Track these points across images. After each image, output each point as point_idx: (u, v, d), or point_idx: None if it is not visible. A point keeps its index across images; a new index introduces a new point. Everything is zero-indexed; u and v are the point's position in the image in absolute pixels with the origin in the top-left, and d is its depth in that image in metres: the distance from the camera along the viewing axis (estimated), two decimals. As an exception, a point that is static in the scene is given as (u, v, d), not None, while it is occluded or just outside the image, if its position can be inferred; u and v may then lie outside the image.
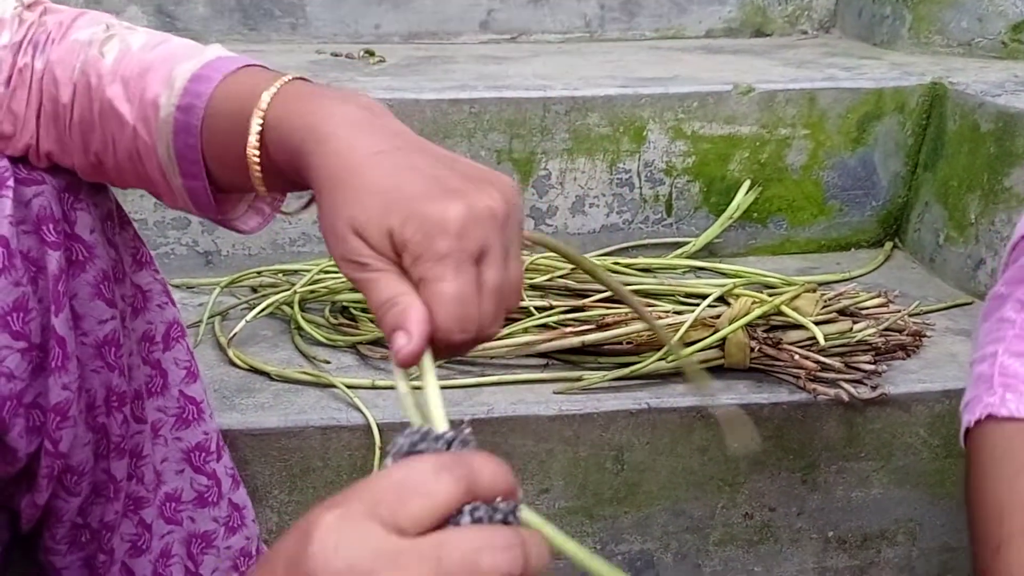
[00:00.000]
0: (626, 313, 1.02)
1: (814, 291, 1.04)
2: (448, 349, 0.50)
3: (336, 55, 1.51)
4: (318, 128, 0.54)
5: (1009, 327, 0.69)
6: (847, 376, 0.98)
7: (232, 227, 0.67)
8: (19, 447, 0.69)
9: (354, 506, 0.39)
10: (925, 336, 1.08)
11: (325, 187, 0.53)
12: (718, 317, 1.00)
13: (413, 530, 0.39)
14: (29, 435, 0.69)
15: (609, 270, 1.16)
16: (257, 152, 0.58)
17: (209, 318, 1.12)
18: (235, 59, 0.62)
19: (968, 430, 0.68)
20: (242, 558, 0.86)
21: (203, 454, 0.82)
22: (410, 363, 0.48)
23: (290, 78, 0.59)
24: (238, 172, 0.60)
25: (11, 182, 0.65)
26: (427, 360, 0.48)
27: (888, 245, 1.36)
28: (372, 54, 1.49)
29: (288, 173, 0.58)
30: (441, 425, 0.46)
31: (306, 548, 0.38)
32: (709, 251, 1.32)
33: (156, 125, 0.61)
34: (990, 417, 0.66)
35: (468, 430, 0.44)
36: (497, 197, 0.51)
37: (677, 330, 0.98)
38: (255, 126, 0.57)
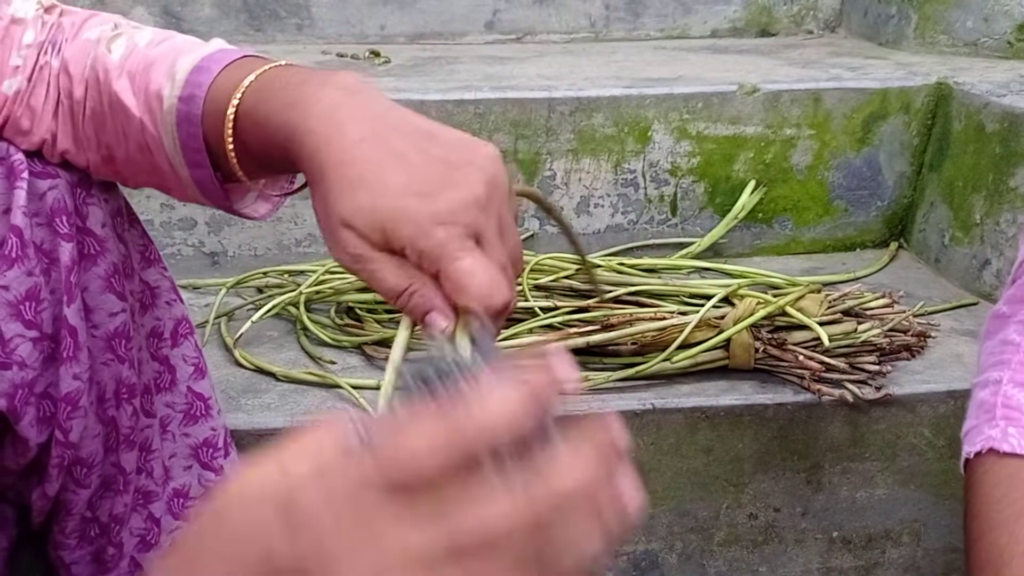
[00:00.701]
0: (631, 314, 1.03)
1: (819, 292, 1.04)
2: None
3: (341, 56, 1.51)
4: (299, 125, 0.55)
5: (1013, 351, 0.68)
6: (852, 377, 0.98)
7: (242, 215, 0.69)
8: (30, 437, 0.70)
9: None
10: (930, 337, 1.08)
11: (314, 182, 0.54)
12: (723, 318, 1.00)
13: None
14: (40, 425, 0.70)
15: (614, 270, 1.16)
16: (231, 138, 0.60)
17: (215, 318, 1.12)
18: (235, 51, 0.64)
19: (968, 459, 0.66)
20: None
21: (211, 450, 0.83)
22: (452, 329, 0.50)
23: (270, 66, 0.61)
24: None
25: (26, 174, 0.67)
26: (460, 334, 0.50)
27: (893, 245, 1.36)
28: (377, 55, 1.50)
29: (265, 160, 0.60)
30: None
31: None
32: (714, 251, 1.32)
33: (161, 117, 0.63)
34: (991, 451, 0.64)
35: (477, 324, 0.47)
36: (478, 180, 0.52)
37: (681, 330, 0.99)
38: (229, 113, 0.59)
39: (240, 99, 0.59)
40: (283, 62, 0.62)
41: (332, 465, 0.33)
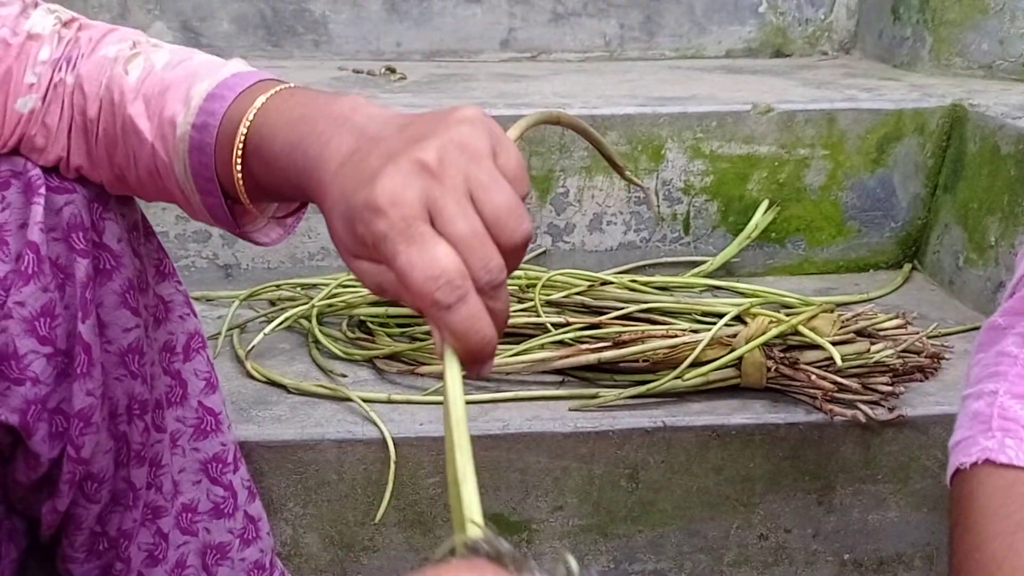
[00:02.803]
0: (643, 331, 1.02)
1: (832, 311, 1.04)
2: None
3: (358, 72, 1.52)
4: (297, 163, 0.54)
5: (1010, 363, 0.66)
6: (864, 397, 0.98)
7: (253, 240, 0.68)
8: (42, 452, 0.70)
9: None
10: (943, 358, 1.07)
11: (322, 210, 0.53)
12: (735, 336, 1.00)
13: None
14: (52, 440, 0.70)
15: (626, 287, 1.16)
16: (240, 168, 0.59)
17: (228, 331, 1.13)
18: (250, 75, 0.63)
19: (957, 470, 0.64)
20: (256, 571, 0.86)
21: (220, 465, 0.83)
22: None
23: (277, 90, 0.60)
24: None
25: (43, 190, 0.67)
26: (452, 372, 0.45)
27: (907, 267, 1.35)
28: (393, 71, 1.51)
29: (274, 192, 0.60)
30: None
31: None
32: (727, 270, 1.32)
33: (173, 143, 0.62)
34: (987, 462, 0.63)
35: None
36: (431, 146, 0.46)
37: (693, 348, 0.98)
38: (237, 143, 0.59)
39: (247, 131, 0.58)
40: (291, 84, 0.61)
41: None
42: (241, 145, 0.59)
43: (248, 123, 0.58)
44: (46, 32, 0.67)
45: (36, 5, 0.69)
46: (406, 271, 0.45)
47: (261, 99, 0.59)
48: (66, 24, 0.68)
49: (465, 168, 0.46)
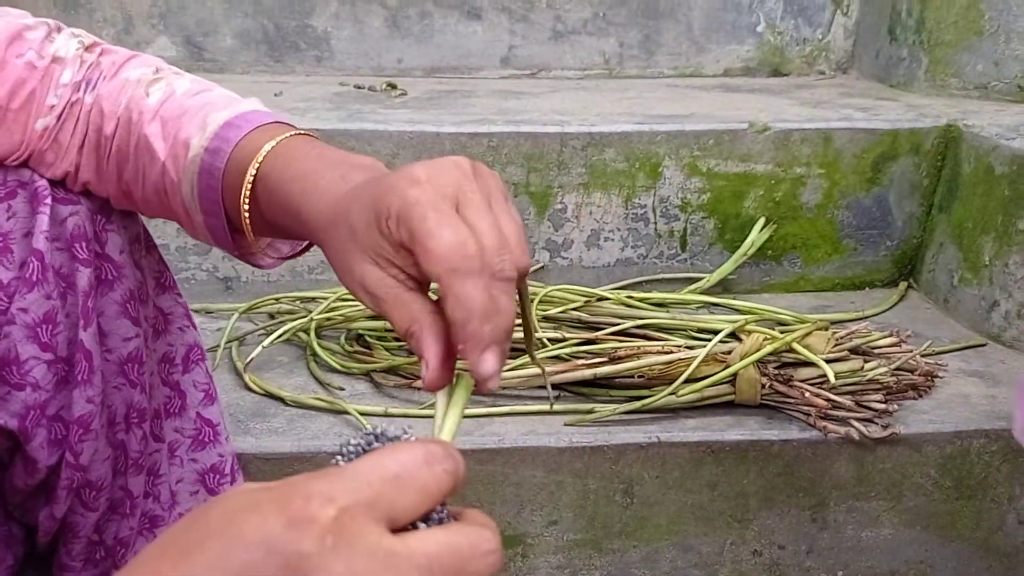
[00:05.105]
0: (638, 347, 1.03)
1: (826, 329, 1.04)
2: (479, 339, 0.46)
3: (359, 87, 1.53)
4: (302, 206, 0.56)
5: None
6: (858, 415, 0.98)
7: (249, 262, 0.70)
8: (40, 458, 0.70)
9: (351, 500, 0.36)
10: (937, 377, 1.08)
11: (321, 244, 0.55)
12: (730, 353, 1.01)
13: (402, 525, 0.37)
14: (51, 447, 0.71)
15: (622, 303, 1.17)
16: (247, 200, 0.61)
17: (227, 343, 1.14)
18: (267, 114, 0.65)
19: None
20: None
21: (218, 476, 0.83)
22: (434, 388, 0.48)
23: (292, 134, 0.62)
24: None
25: (49, 200, 0.68)
26: (458, 388, 0.48)
27: (902, 285, 1.36)
28: (394, 87, 1.52)
29: (275, 225, 0.61)
30: (445, 437, 0.45)
31: (300, 545, 0.34)
32: (723, 287, 1.33)
33: (184, 164, 0.65)
34: None
35: (412, 436, 0.42)
36: (461, 159, 0.51)
37: (688, 364, 0.99)
38: (248, 175, 0.61)
39: (259, 165, 0.61)
40: (306, 132, 0.63)
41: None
42: (250, 184, 0.61)
43: (258, 164, 0.61)
44: (69, 56, 0.69)
45: (60, 29, 0.71)
46: (433, 234, 0.46)
47: (273, 143, 0.61)
48: (88, 48, 0.71)
49: (488, 183, 0.50)
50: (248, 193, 0.61)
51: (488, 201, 0.49)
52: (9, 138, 0.68)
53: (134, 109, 0.67)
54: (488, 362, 0.46)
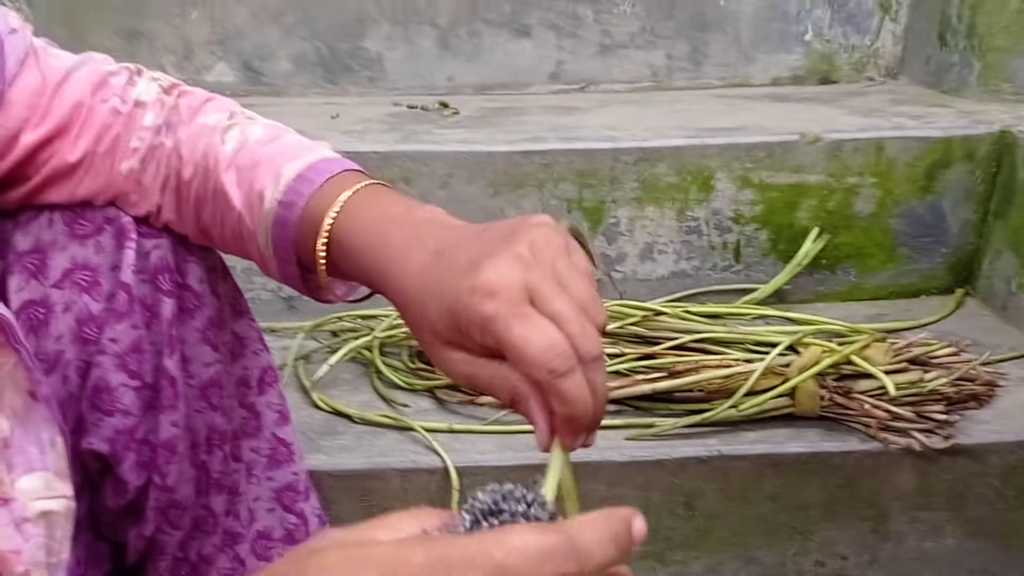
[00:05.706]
0: (697, 361, 1.04)
1: (883, 340, 1.05)
2: (574, 422, 0.49)
3: (412, 107, 1.56)
4: (376, 262, 0.59)
5: None
6: (919, 425, 0.99)
7: (316, 298, 0.72)
8: (129, 480, 0.74)
9: None
10: (998, 386, 1.08)
11: (401, 313, 0.58)
12: (788, 365, 1.01)
13: None
14: (139, 469, 0.74)
15: (680, 317, 1.18)
16: (324, 255, 0.64)
17: (293, 362, 1.17)
18: (337, 163, 0.67)
19: None
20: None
21: (292, 494, 0.86)
22: (549, 448, 0.50)
23: (364, 184, 0.64)
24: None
25: (134, 235, 0.72)
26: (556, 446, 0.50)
27: (959, 292, 1.36)
28: (446, 106, 1.55)
29: (348, 276, 0.65)
30: (548, 493, 0.46)
31: None
32: (777, 297, 1.33)
33: (259, 214, 0.67)
34: None
35: (549, 503, 0.42)
36: (520, 241, 0.52)
37: (747, 378, 1.00)
38: (323, 230, 0.63)
39: (333, 221, 0.63)
40: (375, 181, 0.65)
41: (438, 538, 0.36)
42: (326, 237, 0.63)
43: (333, 216, 0.63)
44: (151, 99, 0.73)
45: (140, 72, 0.74)
46: (522, 344, 0.48)
47: (346, 194, 0.63)
48: (167, 91, 0.74)
49: (552, 259, 0.51)
50: (323, 251, 0.63)
51: (557, 280, 0.50)
52: (95, 180, 0.72)
53: (211, 156, 0.70)
54: (591, 440, 0.51)
